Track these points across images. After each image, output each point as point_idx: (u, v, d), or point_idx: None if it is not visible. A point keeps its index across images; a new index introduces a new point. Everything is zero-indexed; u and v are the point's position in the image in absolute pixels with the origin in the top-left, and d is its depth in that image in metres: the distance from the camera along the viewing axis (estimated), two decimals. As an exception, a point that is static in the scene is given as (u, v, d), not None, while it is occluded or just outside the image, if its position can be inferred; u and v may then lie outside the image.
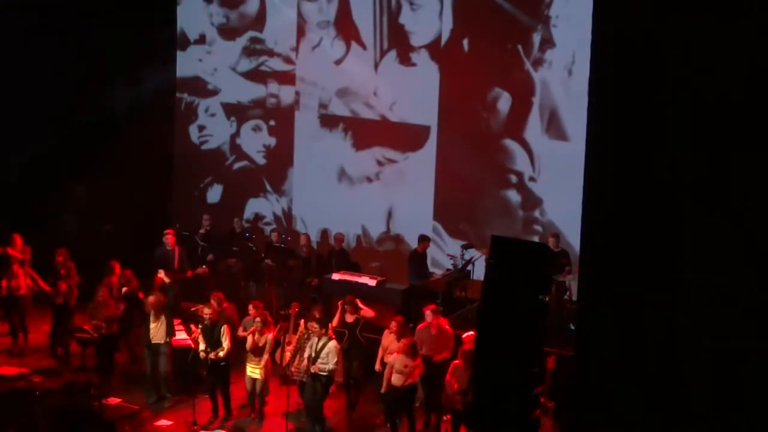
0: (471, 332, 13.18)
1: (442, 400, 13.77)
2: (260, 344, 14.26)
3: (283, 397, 14.28)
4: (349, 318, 14.87)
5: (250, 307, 14.80)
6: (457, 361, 13.40)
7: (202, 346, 14.27)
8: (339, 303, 14.99)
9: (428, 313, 14.38)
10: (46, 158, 18.90)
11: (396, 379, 13.65)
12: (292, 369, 14.07)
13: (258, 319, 14.38)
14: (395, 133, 18.77)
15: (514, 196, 17.97)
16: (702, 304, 8.93)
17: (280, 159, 19.92)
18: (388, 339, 14.25)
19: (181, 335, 15.11)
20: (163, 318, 14.82)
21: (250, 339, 14.30)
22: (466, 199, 18.32)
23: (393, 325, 14.20)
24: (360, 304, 14.88)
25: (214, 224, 18.93)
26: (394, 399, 13.76)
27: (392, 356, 13.82)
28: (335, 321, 14.80)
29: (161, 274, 15.14)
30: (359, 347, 14.74)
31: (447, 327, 14.54)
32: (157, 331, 14.82)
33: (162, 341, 14.82)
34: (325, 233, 19.45)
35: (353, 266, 17.83)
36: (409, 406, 13.85)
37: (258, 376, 14.40)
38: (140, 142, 19.50)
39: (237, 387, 14.84)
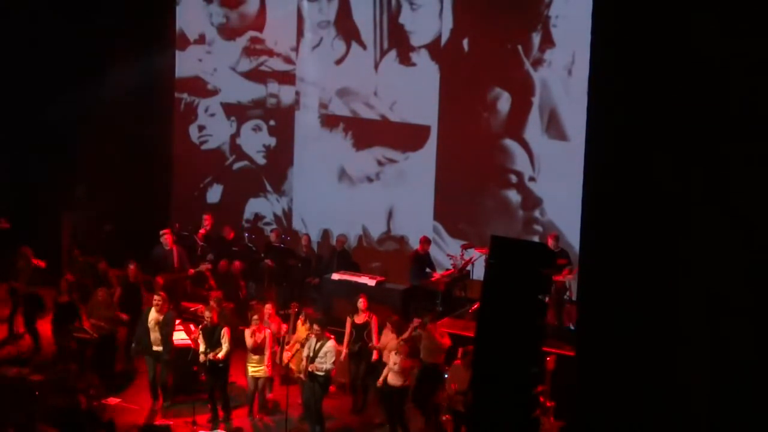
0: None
1: (443, 400, 13.78)
2: (259, 342, 14.27)
3: (283, 397, 14.28)
4: (359, 320, 14.84)
5: (268, 306, 14.85)
6: (457, 361, 13.41)
7: (202, 347, 14.26)
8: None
9: (422, 323, 14.33)
10: (46, 159, 18.91)
11: (392, 378, 13.67)
12: (292, 367, 14.13)
13: (255, 317, 14.40)
14: (395, 133, 18.77)
15: (514, 196, 17.97)
16: (702, 303, 8.93)
17: (280, 159, 19.91)
18: (387, 338, 14.25)
19: (180, 335, 15.09)
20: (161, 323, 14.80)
21: (249, 339, 14.30)
22: (466, 200, 18.31)
23: (389, 326, 14.20)
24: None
25: (213, 224, 18.91)
26: (389, 399, 13.79)
27: (390, 355, 13.86)
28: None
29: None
30: (366, 350, 14.70)
31: (444, 334, 14.47)
32: (157, 337, 14.77)
33: (160, 349, 14.80)
34: (325, 233, 19.45)
35: (353, 266, 17.83)
36: (401, 406, 13.86)
37: (261, 375, 14.40)
38: (140, 142, 19.54)
39: (237, 387, 14.86)
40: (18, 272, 16.75)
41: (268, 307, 14.97)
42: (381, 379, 13.80)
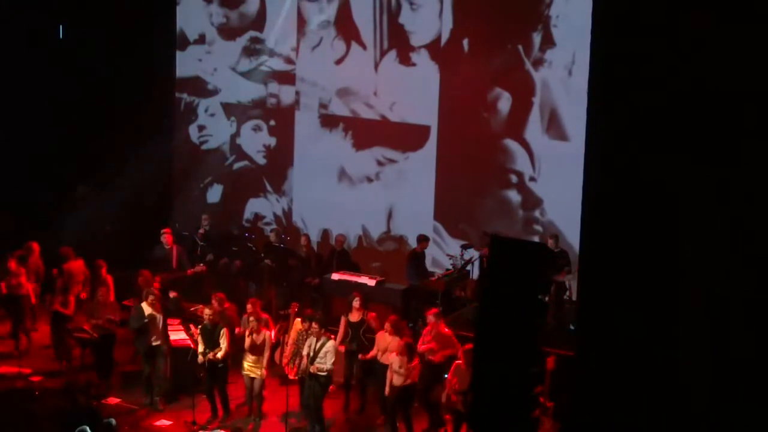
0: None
1: (443, 400, 13.79)
2: (258, 342, 14.25)
3: (282, 397, 14.28)
4: (354, 318, 14.83)
5: (248, 305, 14.80)
6: (458, 361, 13.42)
7: (201, 347, 14.26)
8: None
9: (431, 317, 14.42)
10: (47, 159, 18.92)
11: (395, 379, 13.68)
12: (291, 367, 14.11)
13: (252, 318, 14.38)
14: (395, 133, 18.77)
15: (514, 196, 17.97)
16: (702, 303, 8.93)
17: (280, 159, 19.91)
18: (385, 340, 14.24)
19: (179, 335, 15.10)
20: (161, 320, 14.81)
21: (247, 338, 14.29)
22: (466, 199, 18.31)
23: (387, 324, 14.22)
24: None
25: (213, 224, 18.91)
26: (393, 398, 13.79)
27: (390, 357, 13.85)
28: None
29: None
30: (363, 348, 14.71)
31: (446, 330, 14.54)
32: (154, 332, 14.78)
33: (159, 343, 14.81)
34: (325, 233, 19.45)
35: (353, 266, 17.83)
36: (407, 406, 13.87)
37: (256, 376, 14.39)
38: (140, 142, 19.54)
39: (236, 387, 14.85)
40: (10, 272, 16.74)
41: (248, 306, 14.85)
42: (388, 386, 13.78)
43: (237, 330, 14.85)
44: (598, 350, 9.59)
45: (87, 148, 19.04)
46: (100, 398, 14.52)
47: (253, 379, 14.43)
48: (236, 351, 14.55)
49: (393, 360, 13.71)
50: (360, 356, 14.54)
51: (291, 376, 14.21)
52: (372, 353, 14.40)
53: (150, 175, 19.65)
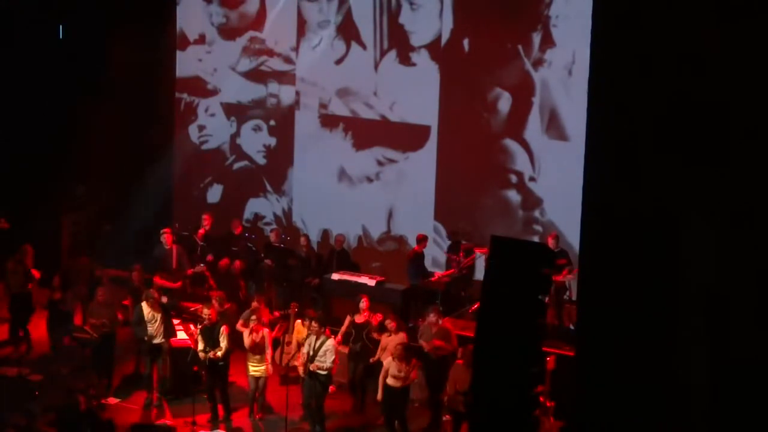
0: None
1: (444, 400, 13.79)
2: (258, 341, 14.26)
3: (282, 396, 14.28)
4: (359, 319, 14.85)
5: (254, 302, 14.87)
6: (459, 361, 13.42)
7: (200, 346, 14.26)
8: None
9: (432, 315, 14.47)
10: (47, 159, 18.91)
11: (393, 382, 13.66)
12: (295, 364, 14.14)
13: (254, 316, 14.39)
14: (395, 133, 18.76)
15: (514, 196, 17.97)
16: (702, 303, 8.93)
17: (280, 159, 19.90)
18: (386, 339, 14.26)
19: (180, 335, 15.11)
20: (160, 318, 14.81)
21: (247, 338, 14.29)
22: (466, 200, 18.31)
23: (389, 323, 14.23)
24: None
25: (213, 224, 18.89)
26: (390, 400, 13.77)
27: (388, 358, 13.85)
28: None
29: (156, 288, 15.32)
30: (366, 350, 14.72)
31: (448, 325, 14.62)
32: (155, 331, 14.80)
33: (161, 341, 14.83)
34: (325, 233, 19.45)
35: (353, 266, 17.83)
36: (403, 406, 13.86)
37: (261, 375, 14.40)
38: (140, 142, 19.55)
39: (237, 387, 14.85)
40: (8, 272, 16.76)
41: (254, 304, 14.94)
42: (380, 391, 13.78)
43: (238, 323, 14.84)
44: (598, 350, 9.58)
45: (87, 148, 19.01)
46: (100, 398, 14.52)
47: (258, 378, 14.45)
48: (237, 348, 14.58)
49: (391, 365, 13.70)
50: (371, 360, 14.57)
51: (302, 374, 14.22)
52: (377, 355, 14.41)
53: (150, 175, 19.70)
